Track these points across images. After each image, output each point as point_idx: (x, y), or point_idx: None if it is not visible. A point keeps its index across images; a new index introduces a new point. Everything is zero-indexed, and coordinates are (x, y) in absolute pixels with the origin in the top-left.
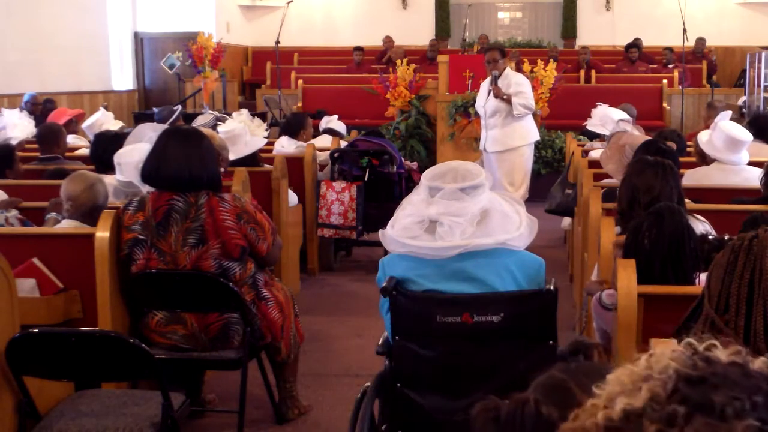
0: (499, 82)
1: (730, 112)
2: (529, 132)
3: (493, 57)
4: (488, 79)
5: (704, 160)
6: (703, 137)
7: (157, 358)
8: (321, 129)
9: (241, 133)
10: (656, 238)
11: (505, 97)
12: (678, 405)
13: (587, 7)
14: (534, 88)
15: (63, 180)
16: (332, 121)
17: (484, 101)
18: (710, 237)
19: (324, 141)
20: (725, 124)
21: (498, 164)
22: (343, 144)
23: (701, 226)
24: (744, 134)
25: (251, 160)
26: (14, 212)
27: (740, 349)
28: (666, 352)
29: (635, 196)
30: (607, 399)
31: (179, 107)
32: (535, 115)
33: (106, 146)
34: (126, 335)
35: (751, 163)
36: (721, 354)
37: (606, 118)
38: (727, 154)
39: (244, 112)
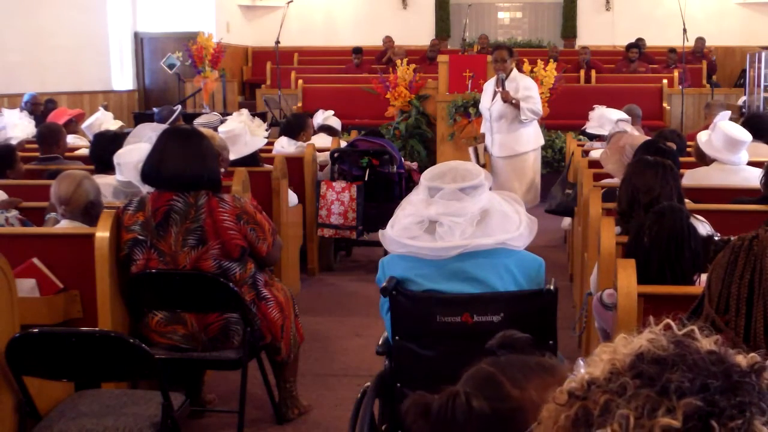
0: (507, 85)
1: (729, 112)
2: (535, 137)
3: (501, 56)
4: (492, 80)
5: (703, 160)
6: (702, 137)
7: (157, 358)
8: (316, 125)
9: (241, 133)
10: (656, 236)
11: (513, 101)
12: (631, 378)
13: (587, 7)
14: None
15: None
16: (329, 118)
17: (490, 104)
18: (716, 238)
19: (321, 140)
20: (724, 124)
21: (506, 169)
22: (341, 143)
23: (701, 226)
24: (743, 134)
25: (251, 160)
26: (14, 212)
27: (719, 338)
28: (646, 333)
29: (635, 196)
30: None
31: (179, 107)
32: None
33: (105, 146)
34: (126, 335)
35: (749, 163)
36: (704, 342)
37: (603, 119)
38: (727, 154)
39: (245, 112)
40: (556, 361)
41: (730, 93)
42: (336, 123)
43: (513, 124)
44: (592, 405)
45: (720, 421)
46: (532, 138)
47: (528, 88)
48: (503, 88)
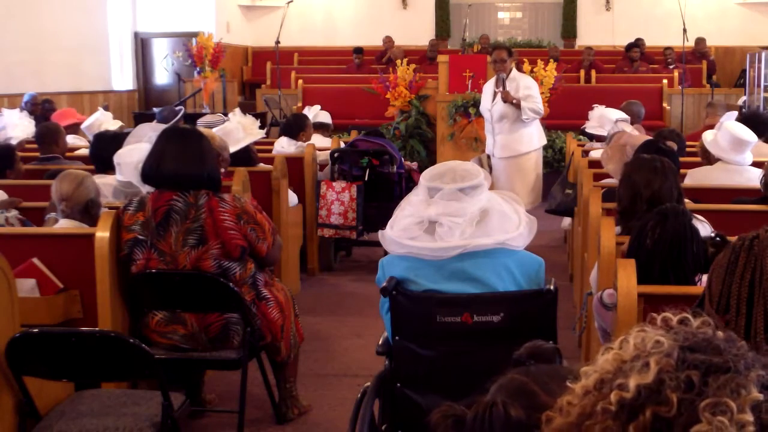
0: (507, 85)
1: (735, 113)
2: (538, 137)
3: (500, 57)
4: (491, 81)
5: (708, 159)
6: (708, 137)
7: (157, 358)
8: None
9: (232, 130)
10: (659, 238)
11: (514, 101)
12: (691, 371)
13: (587, 7)
14: None
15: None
16: (318, 114)
17: (491, 104)
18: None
19: (316, 139)
20: (731, 124)
21: (508, 170)
22: (329, 140)
23: (702, 226)
24: (749, 135)
25: (245, 157)
26: (14, 212)
27: (709, 319)
28: (647, 332)
29: (636, 191)
30: (599, 382)
31: (182, 108)
32: None
33: (105, 146)
34: (126, 335)
35: (752, 164)
36: (695, 324)
37: (603, 119)
38: (732, 154)
39: (237, 111)
40: None
41: (730, 93)
42: (325, 117)
43: (515, 124)
44: (664, 409)
45: None
46: (534, 138)
47: (528, 87)
48: (503, 88)
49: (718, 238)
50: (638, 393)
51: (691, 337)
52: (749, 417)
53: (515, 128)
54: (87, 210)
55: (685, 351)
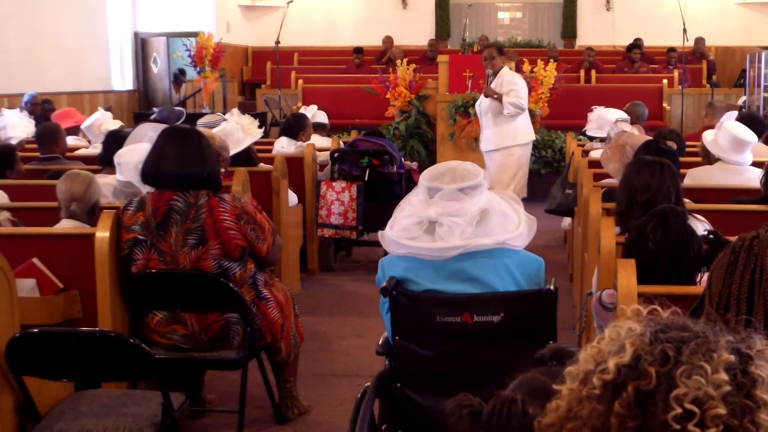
0: (494, 82)
1: (735, 113)
2: (523, 132)
3: (489, 54)
4: None
5: (708, 159)
6: (708, 136)
7: (157, 358)
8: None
9: (232, 131)
10: (661, 240)
11: (495, 96)
12: (664, 344)
13: (587, 7)
14: (534, 88)
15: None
16: (316, 114)
17: (480, 100)
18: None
19: (315, 140)
20: (731, 124)
21: (490, 163)
22: (328, 139)
23: (701, 226)
24: (749, 135)
25: (246, 158)
26: (6, 214)
27: (678, 310)
28: (621, 323)
29: (633, 196)
30: (585, 376)
31: (184, 111)
32: (534, 114)
33: (119, 146)
34: (126, 335)
35: (753, 164)
36: (664, 315)
37: (602, 120)
38: (732, 154)
39: (235, 111)
40: None
41: (730, 93)
42: (323, 117)
43: (497, 118)
44: (644, 382)
45: (747, 348)
46: (519, 133)
47: (512, 83)
48: (488, 84)
49: (711, 236)
50: (618, 372)
51: (661, 321)
52: (724, 377)
53: (498, 122)
54: (92, 212)
55: (657, 332)
